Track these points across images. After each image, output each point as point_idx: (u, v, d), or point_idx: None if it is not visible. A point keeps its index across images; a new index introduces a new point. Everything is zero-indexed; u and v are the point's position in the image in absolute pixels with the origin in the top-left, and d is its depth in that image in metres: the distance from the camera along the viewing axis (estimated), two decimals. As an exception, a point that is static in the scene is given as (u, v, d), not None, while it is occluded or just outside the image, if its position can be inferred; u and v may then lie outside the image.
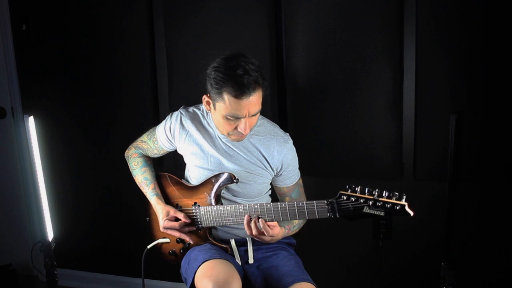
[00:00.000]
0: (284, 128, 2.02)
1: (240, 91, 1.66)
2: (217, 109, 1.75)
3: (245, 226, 1.76)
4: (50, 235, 2.04)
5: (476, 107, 2.09)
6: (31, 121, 1.95)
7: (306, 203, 1.67)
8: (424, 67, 2.14)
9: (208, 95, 1.78)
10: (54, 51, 2.69)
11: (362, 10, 2.15)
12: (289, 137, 1.93)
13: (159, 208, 1.93)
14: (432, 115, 2.16)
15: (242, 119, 1.73)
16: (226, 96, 1.69)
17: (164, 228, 1.90)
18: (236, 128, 1.76)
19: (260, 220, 1.73)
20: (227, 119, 1.74)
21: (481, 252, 2.26)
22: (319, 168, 2.33)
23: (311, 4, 2.21)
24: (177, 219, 1.89)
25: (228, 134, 1.80)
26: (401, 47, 2.16)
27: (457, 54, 2.09)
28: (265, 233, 1.73)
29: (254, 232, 1.74)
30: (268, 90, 1.78)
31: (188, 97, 2.21)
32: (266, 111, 2.03)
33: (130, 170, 2.08)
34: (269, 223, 1.74)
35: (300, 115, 2.34)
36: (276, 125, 1.97)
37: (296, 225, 1.91)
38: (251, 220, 1.75)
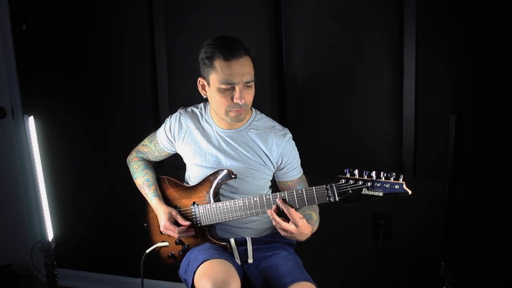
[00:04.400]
0: (284, 127, 2.02)
1: (229, 53, 1.72)
2: (211, 84, 1.78)
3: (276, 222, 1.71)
4: (50, 235, 2.04)
5: (476, 107, 2.09)
6: (31, 121, 1.94)
7: (305, 190, 1.68)
8: (424, 67, 2.14)
9: (202, 76, 1.81)
10: (54, 51, 2.69)
11: (362, 10, 2.15)
12: (288, 131, 1.93)
13: (160, 209, 1.93)
14: (432, 115, 2.16)
15: (236, 88, 1.74)
16: (217, 63, 1.74)
17: (165, 228, 1.90)
18: (232, 100, 1.76)
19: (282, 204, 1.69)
20: (222, 91, 1.75)
21: (481, 252, 2.26)
22: (319, 168, 2.33)
23: (311, 4, 2.21)
24: (177, 223, 1.90)
25: (226, 111, 1.79)
26: (401, 47, 2.16)
27: (457, 54, 2.09)
28: (294, 223, 1.68)
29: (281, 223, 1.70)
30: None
31: (188, 97, 2.21)
32: (266, 111, 2.03)
33: (131, 174, 2.08)
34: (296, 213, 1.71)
35: (300, 115, 2.34)
36: (275, 121, 1.97)
37: (316, 220, 1.88)
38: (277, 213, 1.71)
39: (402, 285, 2.43)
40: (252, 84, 1.78)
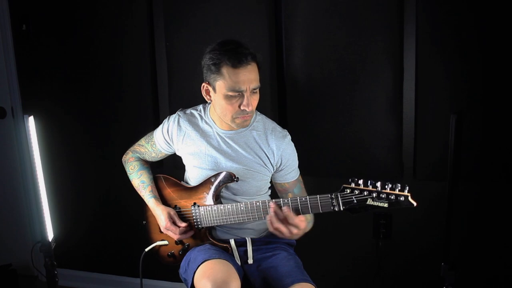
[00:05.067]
0: (284, 128, 2.02)
1: (237, 60, 1.70)
2: (217, 90, 1.76)
3: (270, 223, 1.70)
4: (50, 235, 2.04)
5: (476, 107, 2.09)
6: (31, 121, 1.94)
7: (309, 198, 1.67)
8: (424, 67, 2.14)
9: (207, 82, 1.80)
10: (54, 51, 2.69)
11: (362, 10, 2.15)
12: (287, 133, 1.93)
13: (159, 210, 1.93)
14: (432, 115, 2.16)
15: (244, 95, 1.73)
16: (224, 70, 1.72)
17: (166, 228, 1.90)
18: (239, 107, 1.75)
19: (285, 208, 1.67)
20: (229, 97, 1.74)
21: (481, 252, 2.26)
22: (319, 168, 2.33)
23: (311, 4, 2.21)
24: (175, 223, 1.90)
25: (232, 118, 1.79)
26: (401, 47, 2.16)
27: (457, 54, 2.09)
28: (296, 226, 1.67)
29: (276, 226, 1.68)
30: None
31: (188, 97, 2.22)
32: (266, 111, 2.03)
33: (128, 174, 2.07)
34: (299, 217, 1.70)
35: (300, 115, 2.34)
36: (274, 122, 1.97)
37: (310, 220, 1.88)
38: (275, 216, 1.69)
39: (402, 285, 2.43)
40: (258, 89, 1.79)
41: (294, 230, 1.68)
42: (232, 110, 1.77)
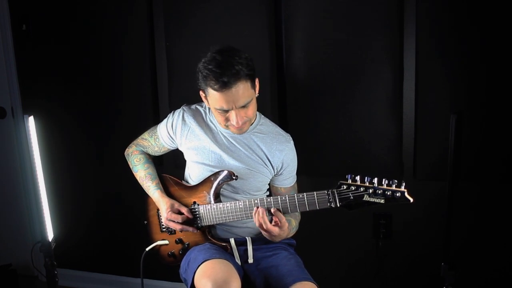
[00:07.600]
0: (284, 128, 2.03)
1: (219, 84, 1.69)
2: (209, 102, 1.80)
3: (256, 219, 1.74)
4: (50, 235, 2.04)
5: (476, 107, 2.09)
6: (31, 121, 1.95)
7: (306, 195, 1.68)
8: (424, 67, 2.14)
9: (202, 90, 1.82)
10: (54, 51, 2.69)
11: (362, 10, 2.15)
12: (290, 137, 1.95)
13: (163, 202, 1.92)
14: (432, 115, 2.16)
15: (231, 111, 1.75)
16: (210, 90, 1.73)
17: (168, 219, 1.89)
18: (229, 120, 1.78)
19: (272, 209, 1.72)
20: (219, 112, 1.77)
21: (481, 252, 2.26)
22: (319, 168, 2.33)
23: (311, 5, 2.21)
24: (180, 213, 1.89)
25: (226, 126, 1.82)
26: (401, 47, 2.16)
27: (457, 54, 2.09)
28: (279, 223, 1.71)
29: (263, 224, 1.72)
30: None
31: (188, 97, 2.21)
32: (266, 111, 2.03)
33: (131, 167, 2.07)
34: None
35: (300, 115, 2.34)
36: (278, 126, 1.98)
37: (294, 226, 1.91)
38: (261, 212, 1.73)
39: (402, 285, 2.43)
40: (249, 103, 1.76)
41: (276, 229, 1.72)
42: (223, 122, 1.80)
